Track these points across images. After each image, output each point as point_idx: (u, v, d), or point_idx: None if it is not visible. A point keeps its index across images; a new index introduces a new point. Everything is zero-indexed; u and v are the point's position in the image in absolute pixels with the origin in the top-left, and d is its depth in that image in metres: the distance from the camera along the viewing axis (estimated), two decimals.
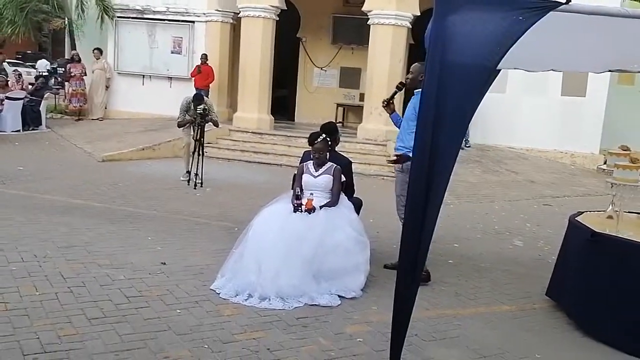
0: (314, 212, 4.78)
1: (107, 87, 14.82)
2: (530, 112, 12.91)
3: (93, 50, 14.66)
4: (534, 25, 2.87)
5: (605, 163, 4.81)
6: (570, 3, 2.97)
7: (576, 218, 4.65)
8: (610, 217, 4.57)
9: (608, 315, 4.06)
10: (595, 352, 3.94)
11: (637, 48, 4.05)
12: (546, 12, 2.88)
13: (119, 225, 6.10)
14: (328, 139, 5.11)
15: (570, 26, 3.33)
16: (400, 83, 5.31)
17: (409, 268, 3.08)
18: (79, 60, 14.63)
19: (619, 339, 3.96)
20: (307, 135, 5.27)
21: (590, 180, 11.43)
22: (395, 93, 5.23)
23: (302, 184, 5.05)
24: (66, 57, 16.00)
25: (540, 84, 12.42)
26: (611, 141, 11.37)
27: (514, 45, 2.90)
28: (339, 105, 15.27)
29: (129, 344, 3.44)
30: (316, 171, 5.09)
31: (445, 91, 2.96)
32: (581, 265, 4.33)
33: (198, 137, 8.59)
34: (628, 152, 4.60)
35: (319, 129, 5.30)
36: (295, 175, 5.27)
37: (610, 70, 5.43)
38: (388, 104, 5.24)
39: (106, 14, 14.75)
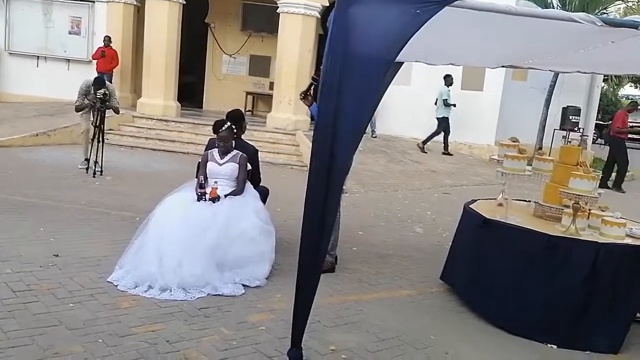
0: (218, 200, 4.70)
1: None
2: (433, 105, 13.43)
3: None
4: (432, 20, 2.96)
5: (497, 154, 5.09)
6: None
7: (470, 206, 4.90)
8: (500, 204, 4.86)
9: (496, 297, 4.31)
10: (486, 332, 4.18)
11: (526, 45, 4.31)
12: (442, 6, 2.98)
13: (7, 215, 5.69)
14: (233, 126, 5.04)
15: (465, 22, 3.47)
16: (316, 74, 5.17)
17: (310, 256, 3.12)
18: None
19: (506, 320, 4.22)
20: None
21: (486, 170, 12.10)
22: (311, 85, 5.11)
23: (207, 172, 4.95)
24: None
25: (442, 78, 12.94)
26: (505, 133, 11.99)
27: (416, 39, 2.98)
28: (248, 93, 15.13)
29: (15, 341, 3.22)
30: (221, 159, 5.00)
31: (346, 81, 3.00)
32: (474, 250, 4.58)
33: (98, 123, 8.17)
34: (517, 143, 4.89)
35: (225, 117, 5.21)
36: (199, 163, 5.16)
37: (502, 66, 5.76)
38: (305, 96, 5.13)
39: None
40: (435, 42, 4.09)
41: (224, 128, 4.97)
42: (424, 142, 13.06)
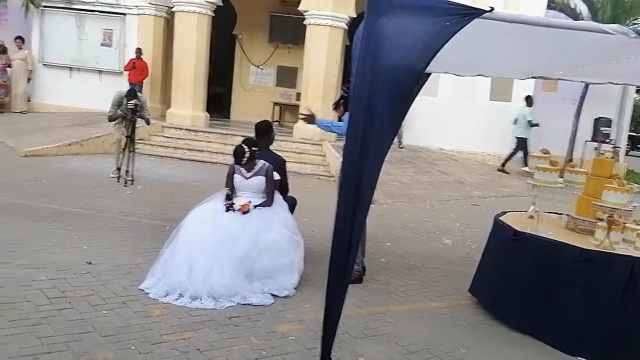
0: (248, 212, 4.73)
1: (28, 80, 14.12)
2: (461, 116, 13.36)
3: (15, 39, 13.93)
4: (462, 31, 2.97)
5: (527, 165, 5.04)
6: (494, 11, 3.08)
7: (500, 218, 4.85)
8: (531, 216, 4.79)
9: (526, 311, 4.25)
10: (516, 346, 4.12)
11: (557, 56, 4.27)
12: (472, 18, 2.98)
13: (42, 224, 5.83)
14: (255, 148, 4.91)
15: (495, 33, 3.47)
16: (346, 86, 5.24)
17: (339, 266, 3.12)
18: (4, 51, 13.88)
19: (536, 334, 4.16)
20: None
21: (515, 181, 11.96)
22: (341, 97, 5.19)
23: (235, 184, 4.97)
24: None
25: (469, 89, 12.87)
26: (535, 145, 11.95)
27: (444, 50, 2.98)
28: (275, 103, 15.24)
29: (49, 347, 3.30)
30: (248, 172, 4.96)
31: (375, 93, 3.01)
32: (504, 263, 4.52)
33: (129, 133, 8.34)
34: (548, 155, 4.84)
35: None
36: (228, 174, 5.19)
37: (533, 77, 5.72)
38: (337, 107, 5.25)
39: (32, 3, 14.03)
40: (464, 53, 4.08)
41: (244, 160, 4.86)
42: (503, 164, 13.12)
